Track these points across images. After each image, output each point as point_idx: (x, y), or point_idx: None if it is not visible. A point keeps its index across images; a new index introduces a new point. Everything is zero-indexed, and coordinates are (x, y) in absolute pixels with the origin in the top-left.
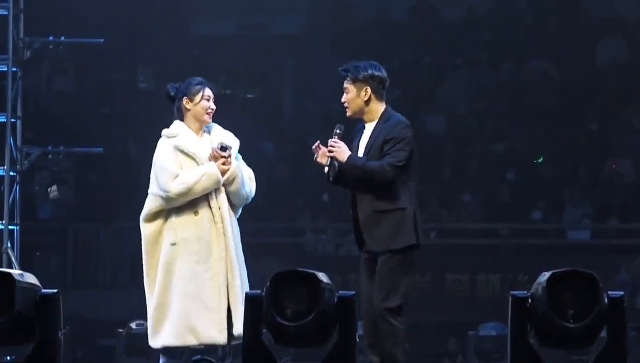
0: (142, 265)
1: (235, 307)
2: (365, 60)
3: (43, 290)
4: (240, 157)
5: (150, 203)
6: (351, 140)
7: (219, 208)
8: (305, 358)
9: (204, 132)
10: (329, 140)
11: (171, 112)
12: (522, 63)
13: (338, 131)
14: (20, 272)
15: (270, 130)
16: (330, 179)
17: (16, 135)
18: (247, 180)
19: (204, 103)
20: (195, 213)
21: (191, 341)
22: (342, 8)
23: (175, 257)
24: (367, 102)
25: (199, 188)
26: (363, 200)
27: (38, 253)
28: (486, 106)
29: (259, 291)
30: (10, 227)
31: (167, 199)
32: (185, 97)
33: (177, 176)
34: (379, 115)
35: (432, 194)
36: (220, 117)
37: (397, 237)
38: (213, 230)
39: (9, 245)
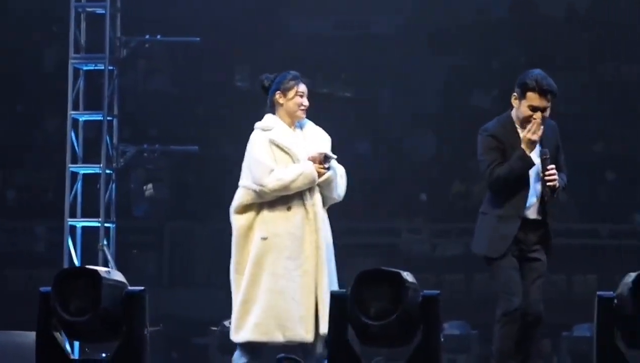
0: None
1: (322, 306)
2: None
3: (129, 288)
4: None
5: (242, 196)
6: (506, 146)
7: (313, 205)
8: (398, 359)
9: (296, 127)
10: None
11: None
12: (622, 63)
13: (546, 157)
14: (107, 269)
15: (367, 129)
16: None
17: (112, 133)
18: (339, 180)
19: (297, 99)
20: (288, 208)
21: (278, 337)
22: (440, 7)
23: (266, 251)
24: None
25: (294, 187)
26: (549, 209)
27: (135, 251)
28: (585, 106)
29: (344, 290)
30: (106, 224)
31: (260, 193)
32: (278, 91)
33: (272, 170)
34: None
35: None
36: (317, 116)
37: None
38: (306, 226)
39: (105, 242)
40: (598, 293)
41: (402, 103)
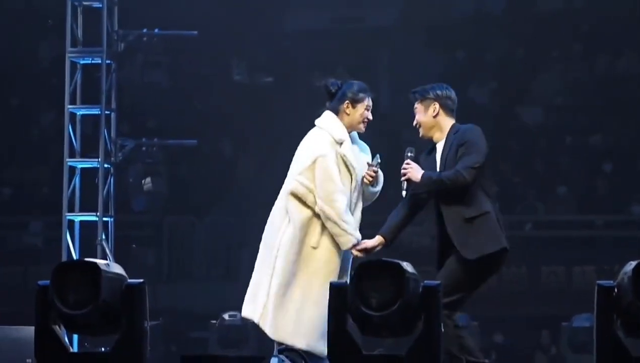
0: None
1: None
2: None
3: (129, 280)
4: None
5: (304, 194)
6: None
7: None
8: (399, 349)
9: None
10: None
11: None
12: (617, 56)
13: (409, 154)
14: (106, 262)
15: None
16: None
17: (110, 127)
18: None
19: (365, 112)
20: None
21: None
22: (437, 0)
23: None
24: (436, 117)
25: (336, 231)
26: (450, 212)
27: (134, 246)
28: (582, 99)
29: (345, 281)
30: (104, 219)
31: (319, 205)
32: (347, 101)
33: (342, 191)
34: (448, 130)
35: (528, 186)
36: (316, 110)
37: (489, 242)
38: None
39: (104, 237)
40: (598, 282)
41: (399, 97)
